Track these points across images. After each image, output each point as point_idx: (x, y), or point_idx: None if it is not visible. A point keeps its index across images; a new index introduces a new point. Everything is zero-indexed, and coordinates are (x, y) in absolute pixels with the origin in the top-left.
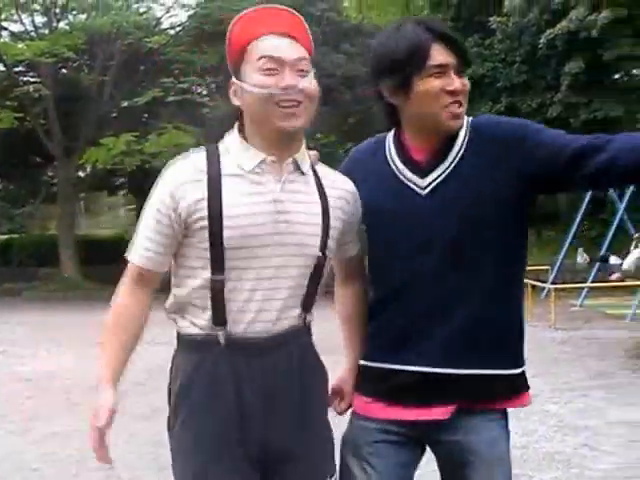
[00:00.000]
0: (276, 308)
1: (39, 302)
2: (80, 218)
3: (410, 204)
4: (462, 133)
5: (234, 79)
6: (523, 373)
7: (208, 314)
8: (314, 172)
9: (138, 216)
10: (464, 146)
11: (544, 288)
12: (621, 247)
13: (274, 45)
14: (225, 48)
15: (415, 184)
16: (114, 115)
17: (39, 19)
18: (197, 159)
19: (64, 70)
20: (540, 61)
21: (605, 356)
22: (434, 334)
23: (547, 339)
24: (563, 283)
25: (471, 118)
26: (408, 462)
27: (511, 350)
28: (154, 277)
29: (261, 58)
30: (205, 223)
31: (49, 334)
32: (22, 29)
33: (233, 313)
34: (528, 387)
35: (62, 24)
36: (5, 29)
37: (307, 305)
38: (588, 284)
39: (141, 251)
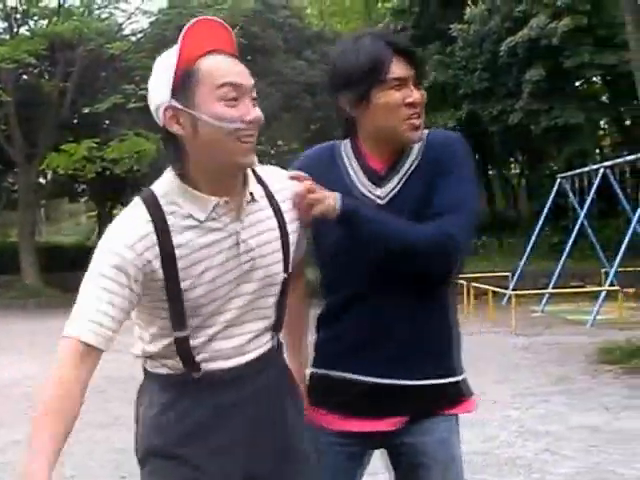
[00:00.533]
0: (247, 340)
1: None
2: (41, 225)
3: None
4: (420, 144)
5: (177, 104)
6: (465, 380)
7: (180, 362)
8: (259, 180)
9: (99, 223)
10: (418, 157)
11: (505, 294)
12: (581, 254)
13: (230, 69)
14: (168, 64)
15: (374, 194)
16: (75, 121)
17: None
18: (139, 216)
19: (25, 76)
20: (501, 68)
21: (566, 362)
22: (381, 346)
23: (508, 345)
24: (524, 289)
25: (426, 130)
26: (355, 468)
27: (452, 359)
28: (100, 355)
29: (224, 85)
30: (164, 292)
31: (10, 341)
32: None
33: (205, 357)
34: (472, 393)
35: (23, 30)
36: None
37: (277, 327)
38: (549, 290)
39: (91, 326)
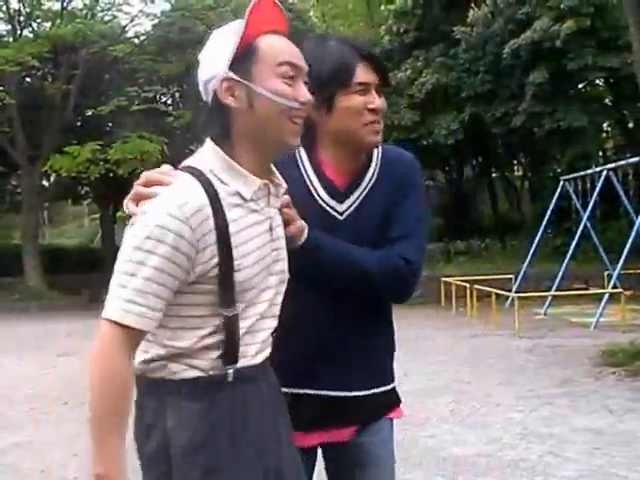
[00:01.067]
0: (267, 336)
1: (3, 312)
2: (44, 227)
3: (329, 229)
4: (374, 158)
5: (235, 76)
6: (395, 387)
7: (216, 354)
8: None
9: (102, 225)
10: (377, 171)
11: (508, 297)
12: (584, 256)
13: (292, 50)
14: (223, 39)
15: (334, 209)
16: (78, 124)
17: (3, 27)
18: (191, 187)
19: (28, 78)
20: (504, 71)
21: (569, 364)
22: (333, 359)
23: (511, 347)
24: (527, 292)
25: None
26: (310, 476)
27: (391, 367)
28: (144, 336)
29: (283, 64)
30: (216, 269)
31: (13, 344)
32: None
33: (242, 349)
34: (400, 400)
35: (26, 32)
36: None
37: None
38: (552, 292)
39: (142, 310)
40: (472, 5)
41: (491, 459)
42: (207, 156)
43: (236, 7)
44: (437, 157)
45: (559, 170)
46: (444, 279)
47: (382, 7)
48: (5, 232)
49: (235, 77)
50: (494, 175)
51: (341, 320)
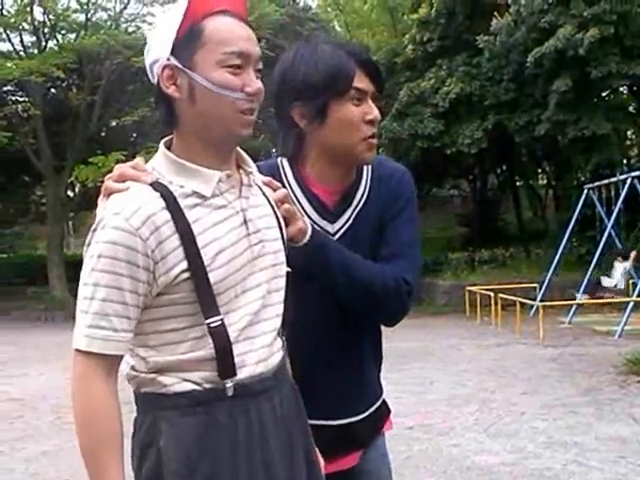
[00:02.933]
0: (270, 340)
1: (28, 321)
2: (69, 238)
3: None
4: (365, 173)
5: (176, 62)
6: (384, 398)
7: (209, 366)
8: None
9: None
10: (368, 188)
11: (533, 306)
12: (609, 265)
13: (240, 35)
14: (172, 19)
15: (324, 230)
16: (103, 134)
17: (28, 38)
18: (143, 195)
19: (53, 89)
20: (528, 79)
21: (594, 373)
22: (333, 384)
23: (536, 356)
24: (552, 300)
25: None
26: None
27: (378, 379)
28: (122, 359)
29: (229, 52)
30: (186, 274)
31: (38, 353)
32: (11, 48)
33: (237, 360)
34: (390, 410)
35: (51, 43)
36: None
37: (284, 329)
38: (576, 301)
39: (106, 333)
40: (495, 14)
41: (515, 468)
42: (159, 160)
43: (259, 17)
44: (461, 166)
45: (583, 178)
46: (469, 288)
47: (405, 16)
48: (30, 242)
49: (176, 64)
50: (518, 184)
51: (332, 336)
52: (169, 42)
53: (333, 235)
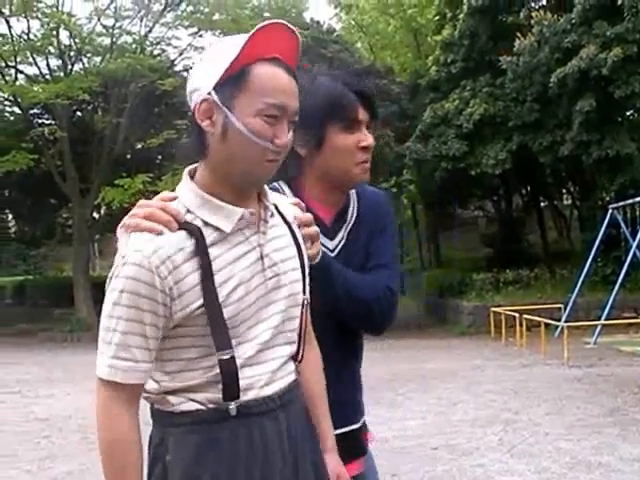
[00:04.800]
0: (278, 366)
1: (54, 342)
2: (94, 259)
3: None
4: (351, 195)
5: (216, 98)
6: None
7: (217, 389)
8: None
9: None
10: (354, 209)
11: (558, 326)
12: (634, 285)
13: (283, 88)
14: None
15: (324, 246)
16: (128, 156)
17: (54, 62)
18: (166, 233)
19: (79, 112)
20: (551, 100)
21: (619, 393)
22: (340, 395)
23: (561, 377)
24: (577, 321)
25: None
26: None
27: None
28: (142, 389)
29: (267, 102)
30: (202, 310)
31: (64, 374)
32: (37, 72)
33: (244, 384)
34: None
35: (77, 67)
36: (21, 72)
37: (298, 357)
38: (601, 322)
39: (128, 364)
40: (518, 35)
41: None
42: (184, 191)
43: None
44: (485, 187)
45: (608, 198)
46: (493, 309)
47: (429, 38)
48: (56, 264)
49: (217, 100)
50: (542, 204)
51: (334, 351)
52: (214, 77)
53: (332, 251)
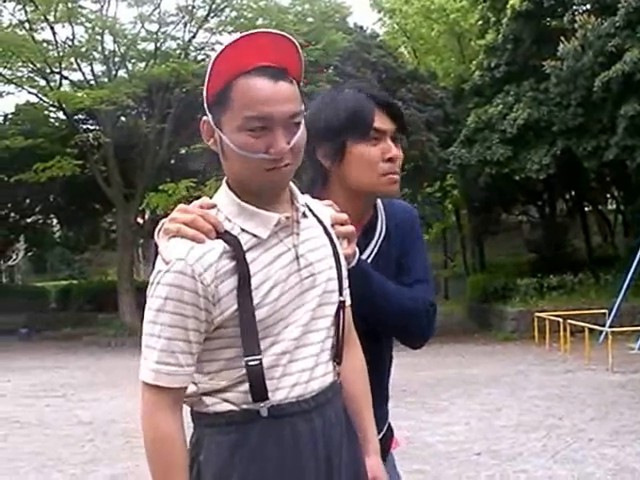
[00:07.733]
0: (311, 365)
1: (98, 347)
2: (138, 264)
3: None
4: (379, 210)
5: (210, 120)
6: None
7: (245, 389)
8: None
9: None
10: (383, 223)
11: (602, 332)
12: None
13: (261, 97)
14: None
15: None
16: (172, 162)
17: (98, 68)
18: (207, 240)
19: (123, 118)
20: (595, 104)
21: None
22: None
23: (605, 382)
24: (621, 326)
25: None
26: None
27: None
28: (185, 392)
29: (246, 116)
30: (237, 313)
31: (108, 378)
32: (82, 78)
33: (273, 384)
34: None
35: (121, 72)
36: (65, 78)
37: (337, 357)
38: None
39: (173, 369)
40: (562, 39)
41: None
42: (222, 199)
43: (327, 45)
44: (530, 192)
45: None
46: (537, 314)
47: (473, 42)
48: (100, 269)
49: (210, 121)
50: (587, 209)
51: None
52: (206, 98)
53: None
